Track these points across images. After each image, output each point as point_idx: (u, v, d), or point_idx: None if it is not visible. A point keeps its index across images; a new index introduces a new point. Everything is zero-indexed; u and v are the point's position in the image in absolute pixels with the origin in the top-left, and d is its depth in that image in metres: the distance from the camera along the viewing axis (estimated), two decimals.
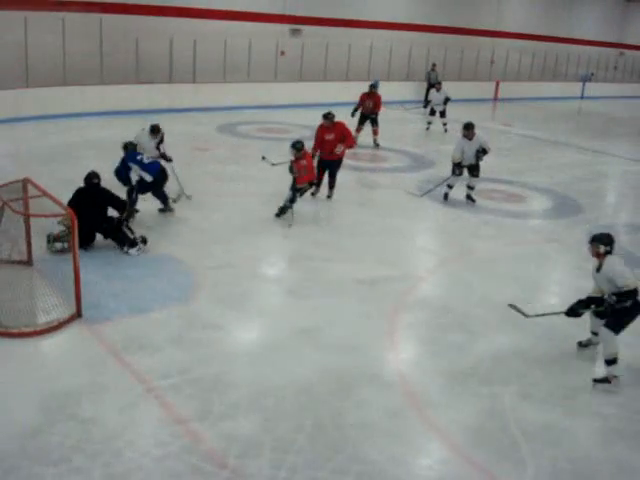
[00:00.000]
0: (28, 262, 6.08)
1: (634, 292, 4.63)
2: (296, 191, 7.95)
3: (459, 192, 9.39)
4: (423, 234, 7.99)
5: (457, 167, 9.11)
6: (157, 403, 4.22)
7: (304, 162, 7.90)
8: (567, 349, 5.30)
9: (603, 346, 4.82)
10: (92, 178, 6.61)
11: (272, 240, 7.48)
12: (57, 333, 5.01)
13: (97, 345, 4.90)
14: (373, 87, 13.10)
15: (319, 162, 8.93)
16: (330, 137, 8.79)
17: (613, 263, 4.78)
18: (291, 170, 7.90)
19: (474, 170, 9.21)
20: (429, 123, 16.03)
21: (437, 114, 15.62)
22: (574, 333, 5.59)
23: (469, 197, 9.42)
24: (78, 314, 5.23)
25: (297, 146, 7.86)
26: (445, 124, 15.51)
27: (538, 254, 7.59)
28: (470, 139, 8.99)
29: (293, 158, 7.91)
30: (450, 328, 5.56)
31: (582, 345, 5.29)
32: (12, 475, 3.50)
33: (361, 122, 13.03)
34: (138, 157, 7.46)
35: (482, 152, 9.02)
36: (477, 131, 9.03)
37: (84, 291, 5.28)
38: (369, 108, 12.87)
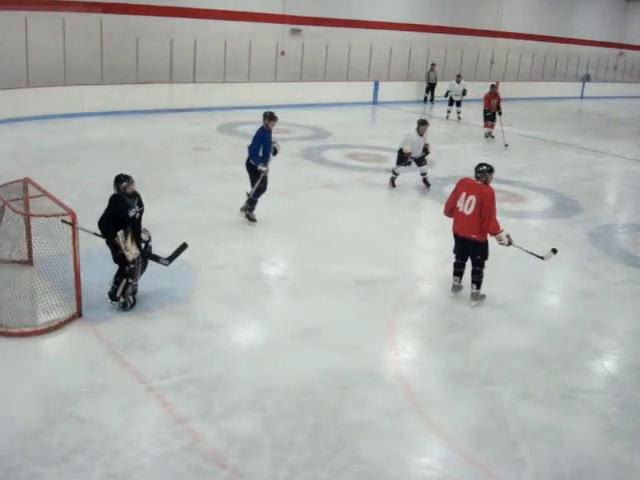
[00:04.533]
0: (29, 262, 6.08)
1: None
2: None
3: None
4: (423, 234, 7.98)
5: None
6: (157, 403, 4.22)
7: None
8: (567, 349, 5.30)
9: None
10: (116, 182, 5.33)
11: (272, 240, 7.49)
12: (57, 333, 5.01)
13: (97, 345, 4.90)
14: (493, 87, 15.21)
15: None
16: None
17: None
18: None
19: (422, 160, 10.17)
20: (448, 112, 18.08)
21: (454, 104, 17.78)
22: (574, 333, 5.61)
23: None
24: (78, 314, 5.23)
25: None
26: (459, 112, 17.91)
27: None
28: (421, 135, 9.87)
29: None
30: (450, 328, 5.56)
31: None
32: (13, 475, 3.50)
33: (491, 118, 15.27)
34: None
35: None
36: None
37: (84, 291, 5.29)
38: (494, 106, 14.98)
